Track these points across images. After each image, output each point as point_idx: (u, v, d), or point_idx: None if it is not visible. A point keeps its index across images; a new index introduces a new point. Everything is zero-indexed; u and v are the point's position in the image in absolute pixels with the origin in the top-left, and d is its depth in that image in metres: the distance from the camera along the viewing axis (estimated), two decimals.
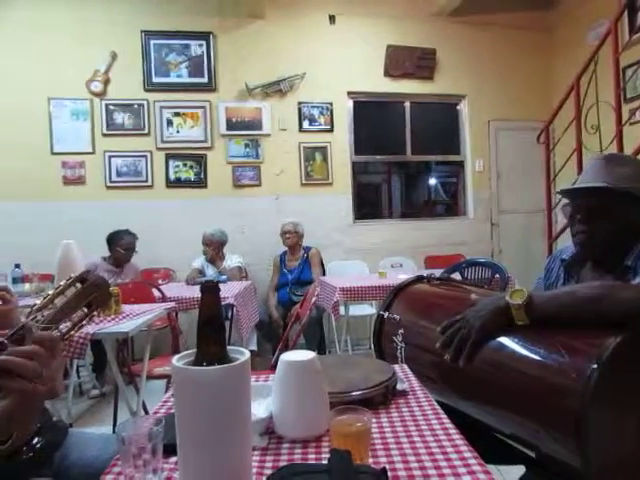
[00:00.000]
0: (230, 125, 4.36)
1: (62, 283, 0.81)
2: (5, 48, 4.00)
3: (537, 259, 4.32)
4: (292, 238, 3.95)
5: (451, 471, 0.77)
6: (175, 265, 4.15)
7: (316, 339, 3.57)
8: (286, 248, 4.03)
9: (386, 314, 1.48)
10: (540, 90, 4.88)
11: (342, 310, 3.32)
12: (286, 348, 2.54)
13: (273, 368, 2.21)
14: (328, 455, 0.83)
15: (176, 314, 2.89)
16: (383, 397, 1.03)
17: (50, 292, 0.79)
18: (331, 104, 4.53)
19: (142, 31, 4.22)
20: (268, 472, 0.79)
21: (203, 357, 0.69)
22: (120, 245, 3.55)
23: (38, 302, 0.77)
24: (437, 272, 2.34)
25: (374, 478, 0.52)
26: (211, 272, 3.76)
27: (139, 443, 0.73)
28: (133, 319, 2.13)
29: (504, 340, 1.06)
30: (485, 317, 1.09)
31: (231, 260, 3.83)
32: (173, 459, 0.81)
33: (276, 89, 4.40)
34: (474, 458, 0.81)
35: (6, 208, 3.61)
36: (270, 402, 0.95)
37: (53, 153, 4.10)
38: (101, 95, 4.19)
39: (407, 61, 4.62)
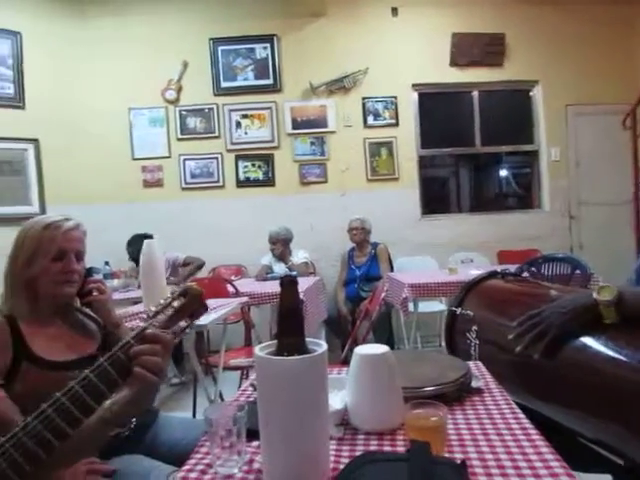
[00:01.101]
0: (296, 124, 4.45)
1: (170, 295, 0.96)
2: (91, 66, 4.35)
3: (623, 256, 4.00)
4: (359, 234, 3.96)
5: (531, 472, 0.75)
6: (246, 261, 4.31)
7: (385, 335, 3.56)
8: (354, 244, 4.05)
9: (458, 310, 1.45)
10: (624, 69, 4.50)
11: (411, 307, 3.28)
12: (355, 344, 2.56)
13: (343, 363, 2.24)
14: (403, 447, 0.84)
15: (248, 308, 3.00)
16: (457, 393, 1.02)
17: (162, 302, 0.95)
18: (395, 98, 4.48)
19: (210, 39, 4.41)
20: (345, 461, 0.81)
21: (283, 348, 0.72)
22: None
23: (153, 309, 0.93)
24: (511, 268, 2.24)
25: (453, 470, 0.52)
26: (279, 268, 3.87)
27: (226, 426, 0.79)
28: (210, 313, 2.25)
29: (590, 339, 1.01)
30: (568, 314, 1.04)
31: (297, 256, 3.91)
32: (255, 443, 0.86)
33: (340, 86, 4.43)
34: (556, 460, 0.78)
35: (97, 210, 3.92)
36: (344, 394, 0.97)
37: (134, 159, 4.42)
38: (175, 102, 4.44)
39: (474, 48, 4.46)
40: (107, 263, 3.69)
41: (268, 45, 4.43)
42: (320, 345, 0.76)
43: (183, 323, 0.94)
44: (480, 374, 1.18)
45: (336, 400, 0.98)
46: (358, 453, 0.84)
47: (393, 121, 4.48)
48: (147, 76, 4.39)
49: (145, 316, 0.93)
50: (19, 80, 4.04)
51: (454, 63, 4.49)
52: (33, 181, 4.10)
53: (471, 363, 1.25)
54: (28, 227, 1.24)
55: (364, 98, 4.46)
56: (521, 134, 4.73)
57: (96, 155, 4.31)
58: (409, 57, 4.47)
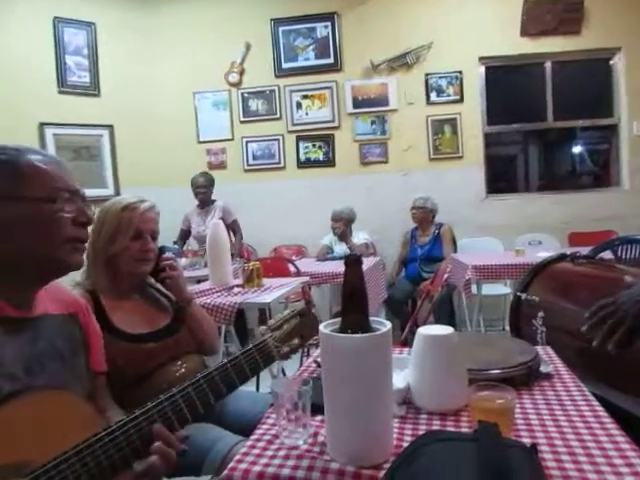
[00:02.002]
0: (356, 103, 4.39)
1: (287, 313, 1.03)
2: (159, 52, 4.51)
3: None
4: (419, 214, 3.89)
5: (605, 460, 0.72)
6: (306, 242, 4.37)
7: (446, 317, 3.49)
8: (416, 224, 3.98)
9: (524, 295, 1.39)
10: None
11: (474, 289, 3.19)
12: (416, 325, 2.54)
13: (402, 344, 2.23)
14: (467, 429, 0.83)
15: (309, 288, 3.06)
16: (525, 378, 0.99)
17: (281, 317, 1.01)
18: (460, 72, 4.29)
19: (271, 19, 4.42)
20: (408, 439, 0.82)
21: (347, 325, 0.73)
22: (193, 186, 3.86)
23: (272, 322, 0.99)
24: (583, 251, 2.11)
25: (524, 453, 0.51)
26: (339, 249, 3.89)
27: (291, 400, 0.82)
28: (273, 291, 2.31)
29: None
30: None
31: (358, 237, 3.90)
32: (319, 417, 0.89)
33: (402, 62, 4.30)
34: (633, 450, 0.74)
35: (165, 192, 4.09)
36: (406, 374, 0.97)
37: (199, 142, 4.58)
38: (237, 85, 4.52)
39: (548, 16, 4.14)
40: (175, 242, 3.89)
41: (329, 23, 4.38)
42: (384, 324, 0.76)
43: (296, 341, 0.99)
44: (549, 359, 1.14)
45: (398, 379, 0.98)
46: (421, 431, 0.84)
47: (457, 97, 4.30)
48: (211, 60, 4.49)
49: (265, 327, 0.98)
50: (94, 69, 4.28)
51: (525, 33, 4.21)
52: (108, 165, 4.36)
53: (539, 348, 1.20)
54: (107, 208, 1.33)
55: (427, 74, 4.31)
56: (599, 107, 4.38)
57: (165, 139, 4.51)
58: (476, 29, 4.24)
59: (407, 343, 2.41)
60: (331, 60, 4.40)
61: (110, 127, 4.33)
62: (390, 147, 4.37)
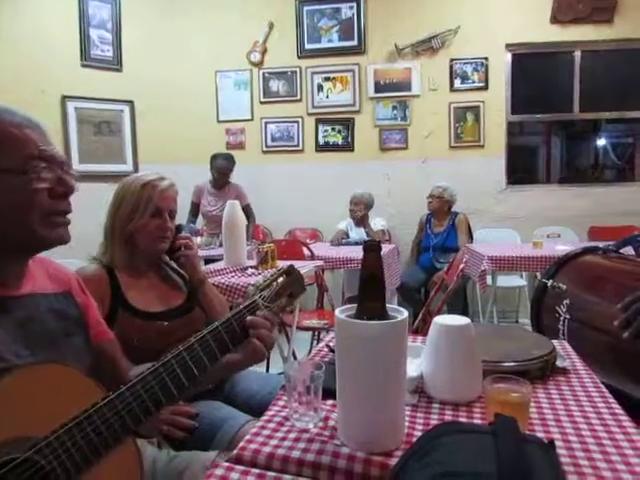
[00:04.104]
0: (378, 87, 4.32)
1: (274, 272, 1.02)
2: (182, 29, 4.48)
3: None
4: (435, 202, 3.84)
5: (621, 459, 0.71)
6: (321, 226, 4.36)
7: (459, 308, 3.47)
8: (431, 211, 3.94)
9: (550, 282, 1.37)
10: None
11: (489, 280, 3.16)
12: (429, 314, 2.53)
13: (414, 332, 2.22)
14: (480, 420, 0.83)
15: (322, 272, 3.05)
16: (541, 372, 0.98)
17: (269, 276, 1.01)
18: (486, 59, 4.19)
19: None
20: (419, 427, 0.81)
21: (364, 312, 0.73)
22: (214, 167, 3.84)
23: (260, 281, 0.99)
24: (602, 245, 2.07)
25: (542, 449, 0.50)
26: (355, 234, 3.87)
27: (304, 383, 0.82)
28: None
29: None
30: None
31: (375, 223, 3.88)
32: (330, 402, 0.89)
33: (427, 47, 4.21)
34: None
35: (183, 170, 4.10)
36: (420, 363, 0.97)
37: (219, 121, 4.56)
38: (259, 65, 4.48)
39: (580, 3, 4.00)
40: (190, 221, 3.91)
41: (354, 4, 4.29)
42: (400, 312, 0.75)
43: (284, 300, 0.99)
44: (565, 353, 1.12)
45: (411, 367, 0.97)
46: (433, 422, 0.84)
47: (482, 84, 4.21)
48: (234, 39, 4.45)
49: (253, 287, 0.98)
50: (117, 43, 4.27)
51: (556, 20, 4.08)
52: (128, 141, 4.37)
53: (556, 342, 1.18)
54: (127, 184, 1.33)
55: (452, 60, 4.21)
56: (627, 99, 4.24)
57: (185, 117, 4.50)
58: (505, 14, 4.12)
59: (419, 331, 2.40)
60: (355, 42, 4.33)
61: (131, 103, 4.33)
62: (410, 133, 4.31)
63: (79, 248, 1.39)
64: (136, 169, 4.32)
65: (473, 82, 4.22)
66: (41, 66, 3.91)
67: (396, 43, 4.19)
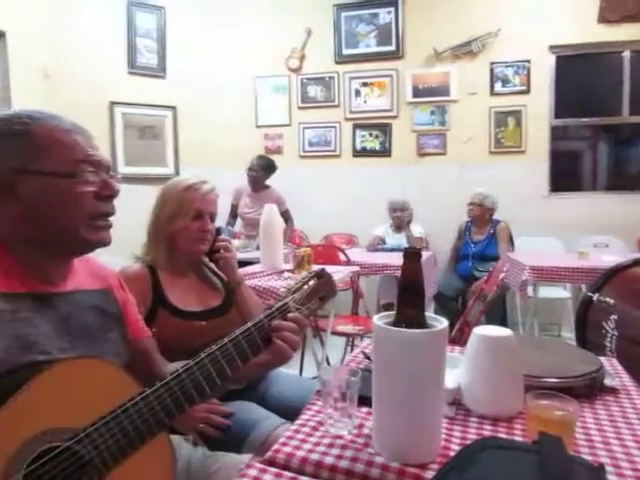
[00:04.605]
0: (416, 92, 4.28)
1: (306, 275, 1.04)
2: (223, 36, 4.58)
3: None
4: (475, 210, 3.76)
5: None
6: (357, 231, 4.35)
7: (497, 318, 3.37)
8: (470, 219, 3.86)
9: (596, 296, 1.31)
10: None
11: (530, 291, 3.06)
12: (466, 324, 2.47)
13: (451, 342, 2.17)
14: (521, 437, 0.80)
15: (358, 277, 3.04)
16: (587, 390, 0.93)
17: (300, 279, 1.03)
18: (528, 62, 4.07)
19: (334, 5, 4.37)
20: (456, 441, 0.79)
21: (402, 319, 0.71)
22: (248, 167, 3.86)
23: (292, 283, 1.02)
24: None
25: (591, 473, 0.48)
26: (393, 240, 3.84)
27: (339, 389, 0.81)
28: None
29: None
30: None
31: (412, 230, 3.84)
32: (364, 409, 0.88)
33: (466, 50, 4.14)
34: None
35: (222, 174, 4.17)
36: (457, 374, 0.94)
37: (257, 126, 4.64)
38: (297, 71, 4.52)
39: (630, 1, 3.84)
40: (229, 223, 3.98)
41: (392, 9, 4.28)
42: (440, 321, 0.74)
43: (315, 303, 1.01)
44: (615, 372, 1.06)
45: (448, 379, 0.95)
46: (470, 436, 0.81)
47: (524, 88, 4.10)
48: (273, 45, 4.52)
49: (286, 290, 1.01)
50: (162, 52, 4.42)
51: (603, 19, 3.92)
52: (170, 145, 4.51)
53: (604, 359, 1.13)
54: (170, 187, 1.36)
55: (492, 63, 4.13)
56: None
57: (225, 122, 4.59)
58: (547, 15, 4.00)
59: (456, 341, 2.35)
60: (392, 47, 4.31)
61: (173, 108, 4.47)
62: (449, 138, 4.24)
63: (122, 247, 1.44)
64: (177, 172, 4.44)
65: (514, 85, 4.11)
66: (92, 73, 4.09)
67: (434, 47, 4.14)
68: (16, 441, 0.64)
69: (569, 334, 3.73)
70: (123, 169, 4.25)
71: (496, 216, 3.81)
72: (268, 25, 4.52)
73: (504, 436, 0.81)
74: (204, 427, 1.17)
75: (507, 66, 4.11)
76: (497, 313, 3.41)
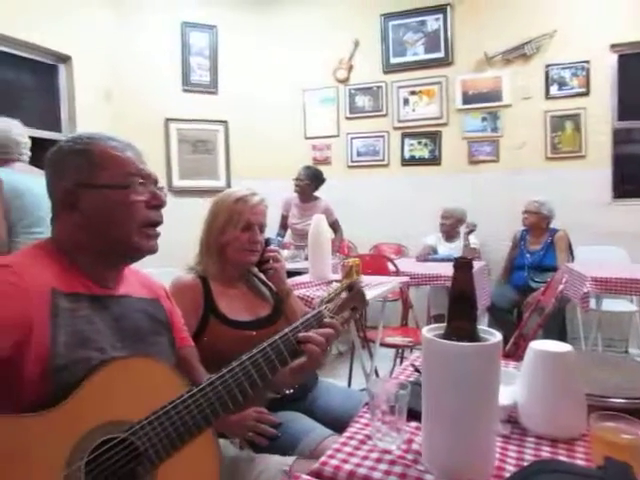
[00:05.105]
0: (466, 99, 4.19)
1: (338, 286, 1.12)
2: (272, 50, 4.70)
3: None
4: (531, 218, 3.60)
5: None
6: (406, 241, 4.29)
7: (556, 332, 3.20)
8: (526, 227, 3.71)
9: None
10: None
11: (593, 303, 2.88)
12: (522, 337, 2.36)
13: (506, 356, 2.09)
14: (584, 462, 0.75)
15: (407, 288, 2.99)
16: None
17: (332, 289, 1.10)
18: (587, 62, 3.88)
19: (381, 14, 4.38)
20: (512, 461, 0.76)
21: (453, 332, 0.69)
22: (295, 178, 3.89)
23: (326, 295, 1.09)
24: None
25: None
26: (443, 249, 3.75)
27: (387, 402, 0.80)
28: (371, 289, 2.29)
29: None
30: None
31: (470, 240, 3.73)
32: (413, 424, 0.85)
33: (519, 54, 4.01)
34: None
35: (271, 186, 4.22)
36: (512, 390, 0.90)
37: (306, 137, 4.70)
38: (345, 82, 4.55)
39: None
40: (279, 234, 4.04)
41: (440, 16, 4.23)
42: (493, 334, 0.71)
43: (347, 313, 1.08)
44: None
45: (503, 395, 0.91)
46: (527, 456, 0.77)
47: (583, 90, 3.90)
48: (320, 57, 4.58)
49: (319, 300, 1.08)
50: (214, 69, 4.59)
51: None
52: (221, 158, 4.66)
53: None
54: (221, 200, 1.40)
55: (548, 65, 3.97)
56: None
57: (274, 135, 4.69)
58: (608, 13, 3.79)
59: (511, 356, 2.25)
60: (441, 54, 4.25)
61: (225, 123, 4.62)
62: (501, 145, 4.11)
63: (177, 257, 1.49)
64: (228, 184, 4.57)
65: (572, 88, 3.93)
66: (149, 91, 4.31)
67: (485, 52, 4.04)
68: (79, 431, 0.70)
69: (637, 350, 3.49)
70: (177, 182, 4.44)
71: (553, 224, 3.63)
72: (316, 38, 4.59)
73: (564, 459, 0.76)
74: (253, 436, 1.18)
75: (564, 68, 3.94)
76: (556, 327, 3.24)
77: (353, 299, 1.08)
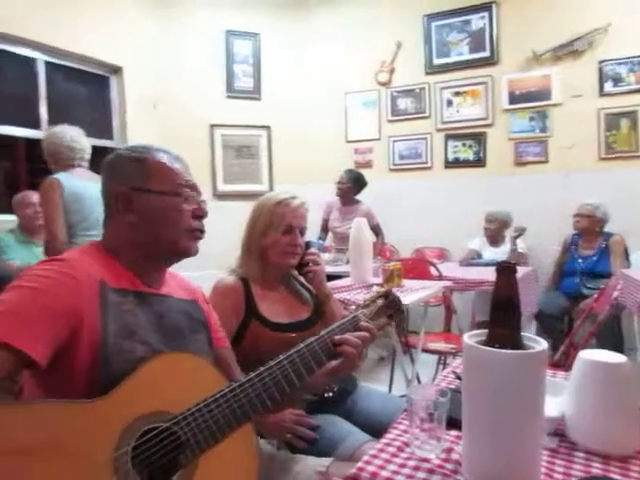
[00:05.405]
0: (513, 98, 4.06)
1: (374, 294, 1.15)
2: (314, 55, 4.74)
3: None
4: (584, 222, 3.43)
5: None
6: (449, 245, 4.20)
7: (611, 342, 3.03)
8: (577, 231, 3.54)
9: None
10: None
11: None
12: (572, 347, 2.26)
13: (554, 366, 2.00)
14: None
15: (450, 293, 2.92)
16: None
17: (369, 298, 1.14)
18: None
19: (425, 15, 4.32)
20: (558, 476, 0.72)
21: (495, 339, 0.67)
22: (337, 181, 3.88)
23: (361, 301, 1.13)
24: None
25: None
26: (488, 254, 3.64)
27: (426, 409, 0.78)
28: (412, 293, 2.25)
29: None
30: None
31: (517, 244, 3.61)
32: (454, 432, 0.83)
33: (569, 50, 3.84)
34: None
35: (313, 189, 4.23)
36: (561, 402, 0.86)
37: (347, 141, 4.70)
38: (387, 84, 4.52)
39: None
40: (320, 238, 4.05)
41: (486, 14, 4.12)
42: (538, 342, 0.68)
43: (383, 320, 1.11)
44: None
45: (550, 406, 0.87)
46: (576, 472, 0.73)
47: None
48: (362, 61, 4.57)
49: (355, 307, 1.11)
50: (257, 75, 4.68)
51: None
52: (264, 162, 4.74)
53: None
54: (263, 202, 1.42)
55: (601, 61, 3.78)
56: None
57: (315, 139, 4.72)
58: None
59: (560, 365, 2.15)
60: (487, 53, 4.14)
61: (268, 128, 4.69)
62: (551, 145, 3.95)
63: (220, 260, 1.52)
64: (271, 188, 4.64)
65: (629, 84, 3.73)
66: (194, 98, 4.44)
67: (533, 49, 3.91)
68: (127, 418, 0.74)
69: None
70: (221, 187, 4.54)
71: (607, 228, 3.45)
72: (357, 42, 4.59)
73: (618, 477, 0.72)
74: (291, 438, 1.19)
75: (619, 63, 3.74)
76: (611, 336, 3.07)
77: (389, 306, 1.11)
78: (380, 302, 1.10)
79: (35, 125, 3.46)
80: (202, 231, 0.98)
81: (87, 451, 0.69)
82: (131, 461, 0.72)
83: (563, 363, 2.14)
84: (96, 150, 2.58)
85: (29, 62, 3.43)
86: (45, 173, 2.36)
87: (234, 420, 0.82)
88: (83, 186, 2.23)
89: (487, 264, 3.39)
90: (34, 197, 2.87)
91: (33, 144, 3.49)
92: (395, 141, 4.50)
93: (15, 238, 2.88)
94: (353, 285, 2.41)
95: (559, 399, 0.86)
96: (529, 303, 3.16)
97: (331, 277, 2.93)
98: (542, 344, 0.66)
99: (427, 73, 4.36)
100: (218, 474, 0.80)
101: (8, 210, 3.04)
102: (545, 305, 3.38)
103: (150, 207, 0.92)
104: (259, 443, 0.87)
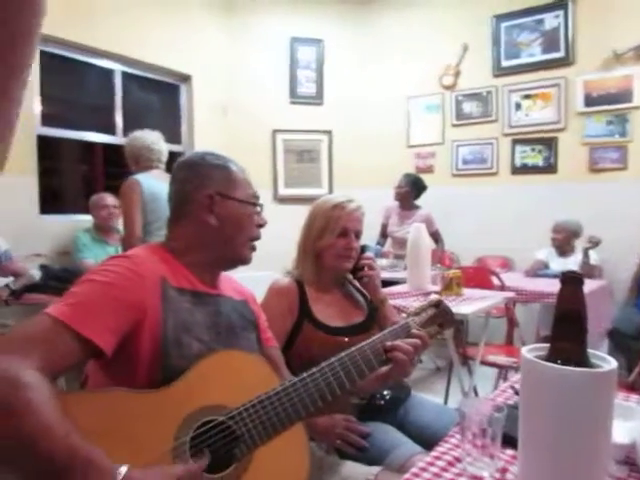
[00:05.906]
0: (589, 101, 3.82)
1: (425, 303, 1.15)
2: (377, 59, 4.72)
3: None
4: None
5: None
6: (515, 254, 4.01)
7: None
8: None
9: None
10: None
11: None
12: None
13: (629, 388, 1.85)
14: None
15: (514, 305, 2.79)
16: None
17: (419, 306, 1.14)
18: None
19: (493, 16, 4.17)
20: None
21: (557, 354, 0.63)
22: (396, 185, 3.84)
23: (412, 310, 1.13)
24: None
25: None
26: (556, 265, 3.44)
27: (480, 424, 0.74)
28: (472, 303, 2.17)
29: None
30: None
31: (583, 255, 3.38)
32: (509, 451, 0.79)
33: None
34: None
35: (372, 194, 4.21)
36: (633, 427, 0.79)
37: (409, 146, 4.63)
38: (451, 88, 4.40)
39: None
40: (379, 243, 4.01)
41: (560, 13, 3.91)
42: (607, 361, 0.63)
43: (434, 329, 1.11)
44: None
45: (619, 431, 0.80)
46: None
47: None
48: (426, 65, 4.49)
49: (406, 314, 1.13)
50: (319, 80, 4.73)
51: None
52: (325, 167, 4.77)
53: None
54: (319, 206, 1.43)
55: None
56: None
57: (376, 143, 4.70)
58: None
59: (634, 388, 1.98)
60: (561, 54, 3.92)
61: (329, 132, 4.73)
62: (631, 151, 3.67)
63: (280, 262, 1.55)
64: (331, 192, 4.66)
65: None
66: (258, 103, 4.56)
67: (613, 48, 3.65)
68: (186, 410, 0.78)
69: None
70: (282, 191, 4.63)
71: None
72: (421, 45, 4.51)
73: None
74: (341, 444, 1.18)
75: None
76: None
77: (439, 316, 1.11)
78: (431, 311, 1.11)
79: (111, 131, 3.70)
80: (259, 239, 1.05)
81: (149, 439, 0.73)
82: (189, 450, 0.75)
83: (638, 386, 1.97)
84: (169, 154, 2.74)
85: (108, 73, 3.69)
86: (120, 176, 2.53)
87: (286, 418, 0.84)
88: (159, 187, 2.36)
89: (555, 276, 3.20)
90: (109, 199, 3.07)
91: (109, 149, 3.74)
92: (459, 146, 4.37)
93: (90, 237, 3.09)
94: (410, 292, 2.36)
95: (631, 424, 0.79)
96: (601, 319, 2.95)
97: (388, 283, 2.90)
98: (611, 363, 0.61)
99: (495, 75, 4.21)
100: (272, 469, 0.83)
101: (85, 210, 3.26)
102: (620, 322, 3.14)
103: (230, 213, 0.98)
104: (309, 444, 0.88)
